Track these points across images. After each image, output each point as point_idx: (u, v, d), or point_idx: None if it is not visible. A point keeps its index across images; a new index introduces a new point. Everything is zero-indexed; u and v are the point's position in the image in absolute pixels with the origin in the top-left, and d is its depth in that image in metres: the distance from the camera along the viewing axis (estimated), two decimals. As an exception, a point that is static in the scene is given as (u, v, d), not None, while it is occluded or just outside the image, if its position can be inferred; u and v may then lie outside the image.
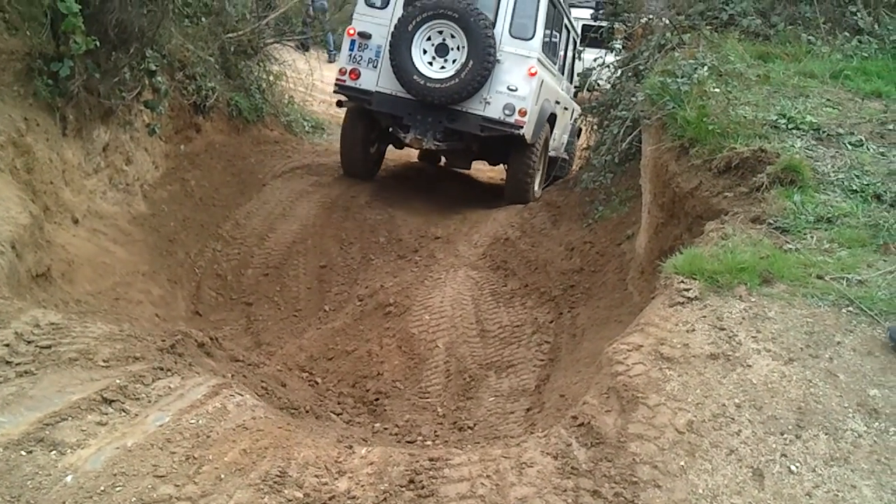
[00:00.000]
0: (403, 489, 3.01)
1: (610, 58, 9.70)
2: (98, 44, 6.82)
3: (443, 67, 9.37)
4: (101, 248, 7.41)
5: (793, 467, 3.12)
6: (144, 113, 8.64)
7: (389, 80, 9.64)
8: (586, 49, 10.40)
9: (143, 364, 3.95)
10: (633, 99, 6.84)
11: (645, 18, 9.02)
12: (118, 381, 3.59)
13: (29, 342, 4.34)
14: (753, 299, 3.98)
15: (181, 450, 3.15)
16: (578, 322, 6.59)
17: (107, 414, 3.35)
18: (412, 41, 9.29)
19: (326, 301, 8.31)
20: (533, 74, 9.44)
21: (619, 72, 9.15)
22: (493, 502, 2.94)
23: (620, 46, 10.01)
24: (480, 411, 5.70)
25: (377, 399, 6.12)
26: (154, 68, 8.21)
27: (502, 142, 9.98)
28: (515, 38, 9.52)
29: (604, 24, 13.89)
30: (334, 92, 10.50)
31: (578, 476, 3.07)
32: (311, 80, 13.95)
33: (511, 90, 9.42)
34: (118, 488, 2.91)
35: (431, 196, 11.13)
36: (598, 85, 9.78)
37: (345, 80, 9.92)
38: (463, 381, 6.16)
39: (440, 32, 9.32)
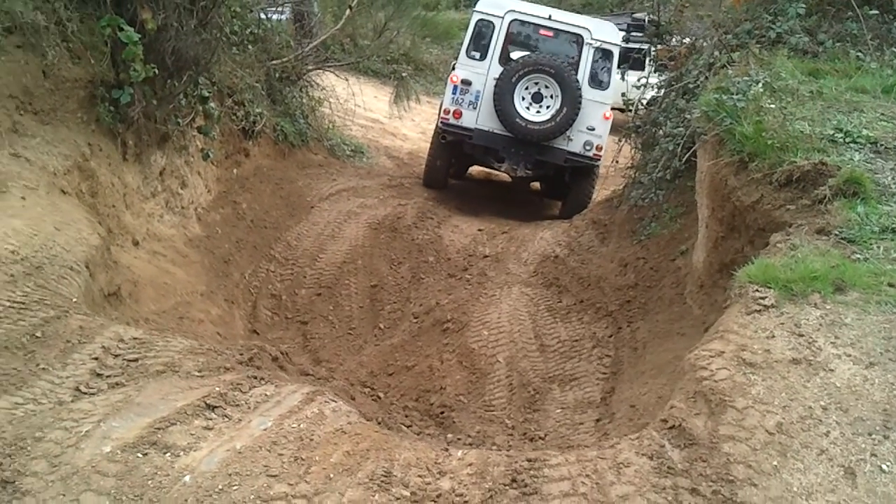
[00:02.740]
0: (507, 487, 3.12)
1: (654, 79, 9.91)
2: (157, 71, 7.01)
3: (538, 112, 11.14)
4: (162, 270, 7.57)
5: (884, 466, 3.19)
6: (197, 138, 8.84)
7: (487, 119, 11.47)
8: (629, 71, 10.86)
9: (236, 374, 4.09)
10: (688, 116, 6.95)
11: (689, 39, 9.18)
12: (217, 389, 3.73)
13: (116, 356, 4.51)
14: (829, 307, 4.06)
15: (288, 452, 3.28)
16: (639, 336, 6.67)
17: (211, 419, 3.49)
18: (514, 91, 11.02)
19: (380, 319, 8.45)
20: (608, 118, 11.42)
21: (664, 91, 9.28)
22: (595, 500, 3.05)
23: (657, 66, 10.28)
24: (549, 423, 5.80)
25: (443, 412, 6.23)
26: (207, 95, 8.42)
27: (573, 170, 11.79)
28: (593, 87, 11.34)
29: (635, 45, 14.17)
30: (440, 128, 11.88)
31: (675, 475, 3.16)
32: (350, 106, 14.17)
33: (590, 130, 11.34)
34: (235, 487, 3.04)
35: (476, 216, 11.35)
36: (642, 105, 10.16)
37: (449, 119, 11.60)
38: (527, 395, 6.26)
39: (536, 83, 11.06)
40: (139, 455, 3.18)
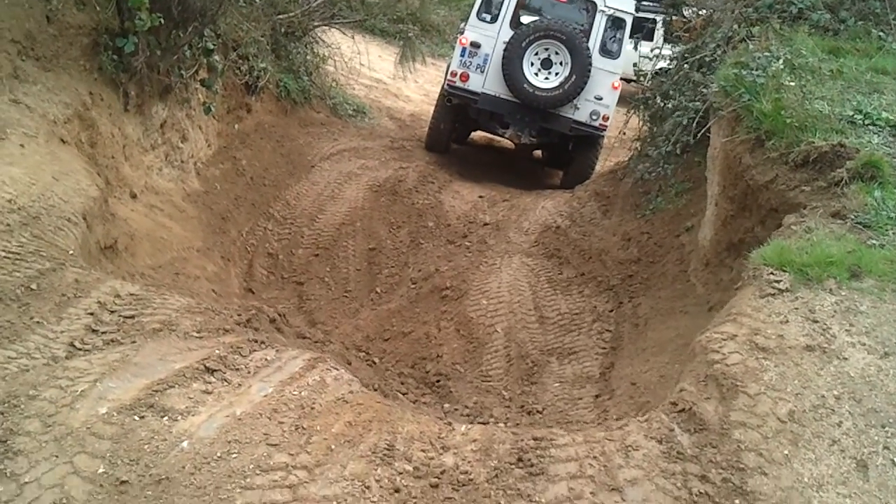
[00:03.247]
0: (513, 466, 3.04)
1: (667, 50, 9.77)
2: (162, 21, 6.85)
3: (547, 78, 10.94)
4: (158, 224, 7.47)
5: (896, 460, 3.12)
6: (200, 91, 8.68)
7: (494, 84, 11.22)
8: (641, 41, 10.74)
9: (235, 336, 4.00)
10: (704, 90, 6.81)
11: (705, 11, 9.01)
12: (217, 352, 3.64)
13: (112, 311, 4.43)
14: (844, 293, 3.98)
15: (289, 420, 3.20)
16: (640, 312, 6.58)
17: (210, 383, 3.40)
18: (524, 56, 10.84)
19: (377, 283, 8.36)
20: (616, 88, 11.19)
21: (676, 63, 9.13)
22: (602, 483, 2.97)
23: (671, 37, 10.14)
24: (547, 396, 5.72)
25: (439, 381, 6.15)
26: (211, 47, 8.24)
27: (577, 139, 11.58)
28: (603, 56, 11.11)
29: (649, 15, 14.00)
30: (447, 91, 11.65)
31: (685, 461, 3.09)
32: (354, 65, 13.99)
33: (598, 99, 11.11)
34: (234, 455, 2.96)
35: (477, 182, 11.23)
36: (651, 75, 10.11)
37: (455, 82, 11.36)
38: (526, 366, 6.19)
39: (546, 49, 10.88)
40: (136, 418, 3.09)
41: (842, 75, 6.10)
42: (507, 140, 12.58)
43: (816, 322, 3.77)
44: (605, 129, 11.36)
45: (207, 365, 3.49)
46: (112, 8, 6.85)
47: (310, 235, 9.06)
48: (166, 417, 3.11)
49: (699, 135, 6.78)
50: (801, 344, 3.63)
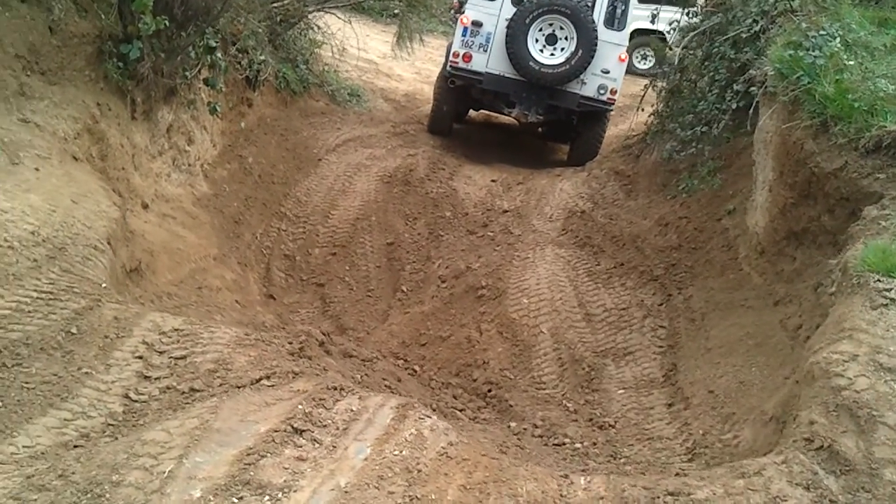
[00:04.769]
0: (657, 532, 2.76)
1: (685, 19, 9.50)
2: (168, 23, 6.52)
3: (552, 54, 10.66)
4: (173, 234, 7.17)
5: None
6: (203, 91, 8.32)
7: (498, 63, 10.94)
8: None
9: (307, 381, 3.69)
10: (753, 72, 6.47)
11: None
12: (300, 408, 3.32)
13: (161, 352, 4.18)
14: (957, 299, 3.72)
15: (399, 489, 2.90)
16: (694, 305, 6.28)
17: (302, 446, 3.09)
18: (528, 33, 10.54)
19: (401, 281, 8.07)
20: (623, 60, 10.93)
21: (694, 36, 8.81)
22: (758, 545, 2.71)
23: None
24: (614, 406, 5.43)
25: (490, 391, 5.86)
26: (214, 45, 7.87)
27: (582, 114, 11.31)
28: (608, 28, 10.84)
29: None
30: (449, 73, 11.25)
31: (840, 510, 2.83)
32: (347, 47, 13.58)
33: (604, 73, 10.82)
34: (353, 539, 2.66)
35: (486, 164, 11.01)
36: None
37: (458, 63, 11.01)
38: (582, 371, 5.89)
39: (550, 25, 10.59)
40: (234, 500, 2.77)
41: (896, 49, 5.81)
42: (513, 119, 12.22)
43: (938, 335, 3.51)
44: (612, 103, 11.09)
45: (294, 425, 3.18)
46: (114, 13, 6.51)
47: (325, 233, 8.75)
48: (267, 496, 2.78)
49: (757, 122, 6.37)
50: (928, 362, 3.37)
